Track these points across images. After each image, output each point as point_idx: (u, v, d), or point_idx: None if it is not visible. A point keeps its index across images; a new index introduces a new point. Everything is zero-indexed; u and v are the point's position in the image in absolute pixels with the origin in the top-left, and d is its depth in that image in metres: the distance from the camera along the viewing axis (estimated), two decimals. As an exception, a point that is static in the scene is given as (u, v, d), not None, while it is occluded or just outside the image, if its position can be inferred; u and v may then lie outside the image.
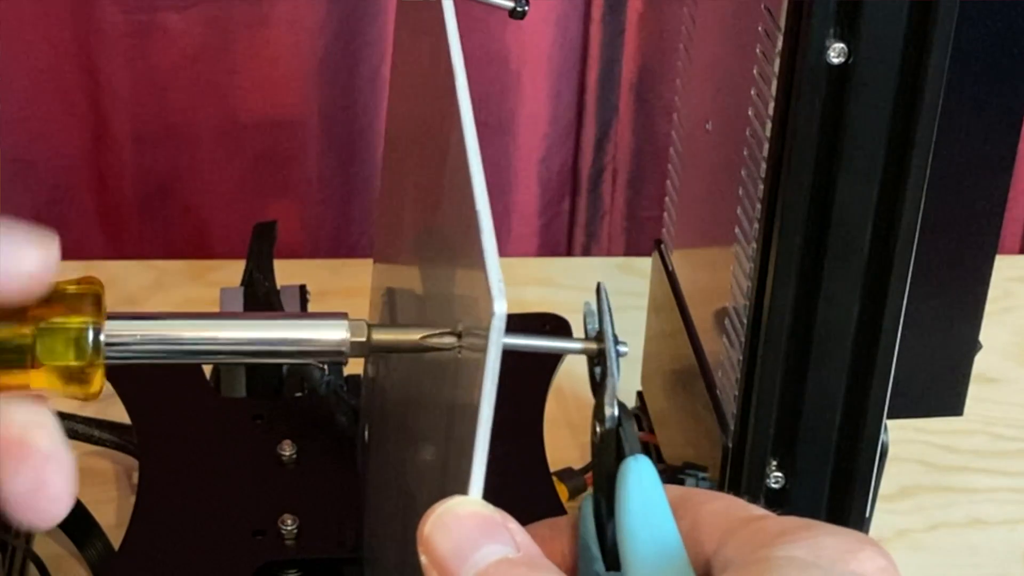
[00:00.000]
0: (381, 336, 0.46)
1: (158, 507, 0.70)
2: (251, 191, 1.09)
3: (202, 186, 1.09)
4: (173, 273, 0.98)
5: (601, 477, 0.44)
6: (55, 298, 0.43)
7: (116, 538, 0.71)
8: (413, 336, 0.45)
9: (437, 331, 0.44)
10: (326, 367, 0.76)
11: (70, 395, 0.44)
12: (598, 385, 0.44)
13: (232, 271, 0.90)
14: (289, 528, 0.68)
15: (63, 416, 0.80)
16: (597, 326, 0.44)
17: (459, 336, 0.43)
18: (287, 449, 0.73)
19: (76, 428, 0.79)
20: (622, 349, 0.44)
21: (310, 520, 0.68)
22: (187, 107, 1.06)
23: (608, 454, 0.43)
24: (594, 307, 0.45)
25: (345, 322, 0.45)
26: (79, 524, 0.74)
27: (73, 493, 0.44)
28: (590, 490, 0.45)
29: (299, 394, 0.78)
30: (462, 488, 0.40)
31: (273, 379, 0.79)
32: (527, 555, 0.40)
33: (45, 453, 0.43)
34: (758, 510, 0.44)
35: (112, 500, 0.79)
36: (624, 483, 0.43)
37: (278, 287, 0.83)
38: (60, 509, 0.45)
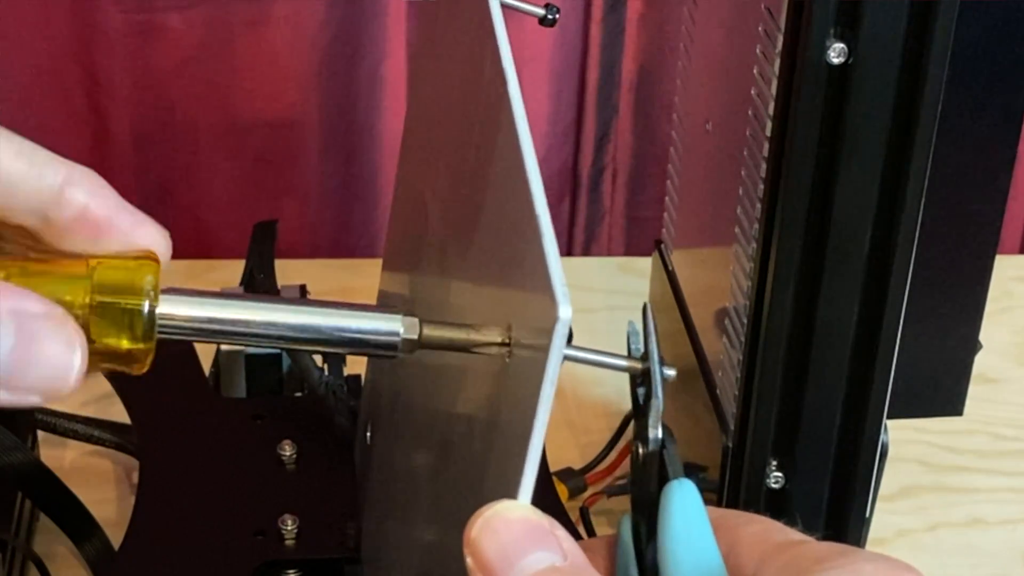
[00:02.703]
0: (432, 332, 0.45)
1: (158, 507, 0.70)
2: (251, 191, 1.09)
3: (202, 186, 1.09)
4: (173, 273, 0.97)
5: (642, 499, 0.43)
6: (112, 267, 0.43)
7: (116, 538, 0.71)
8: (463, 333, 0.44)
9: (485, 328, 0.44)
10: (325, 367, 0.77)
11: (119, 369, 0.43)
12: (641, 406, 0.44)
13: (232, 271, 0.90)
14: (289, 528, 0.68)
15: (63, 416, 0.81)
16: (642, 346, 0.44)
17: (509, 337, 0.43)
18: (287, 449, 0.72)
19: (76, 428, 0.79)
20: (668, 372, 0.43)
21: (310, 520, 0.68)
22: (187, 107, 1.06)
23: (650, 477, 0.43)
24: (639, 327, 0.44)
25: (400, 316, 0.45)
26: (79, 524, 0.74)
27: (79, 364, 0.41)
28: (628, 511, 0.45)
29: (299, 394, 0.78)
30: (507, 492, 0.40)
31: (273, 379, 0.79)
32: (573, 564, 0.40)
33: (34, 312, 0.41)
34: (796, 534, 0.44)
35: (112, 500, 0.79)
36: (668, 506, 0.42)
37: (278, 287, 0.83)
38: (59, 374, 0.41)
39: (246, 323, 0.44)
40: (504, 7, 0.51)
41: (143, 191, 1.08)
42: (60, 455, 0.81)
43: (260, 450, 0.73)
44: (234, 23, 1.03)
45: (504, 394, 0.43)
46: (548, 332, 0.38)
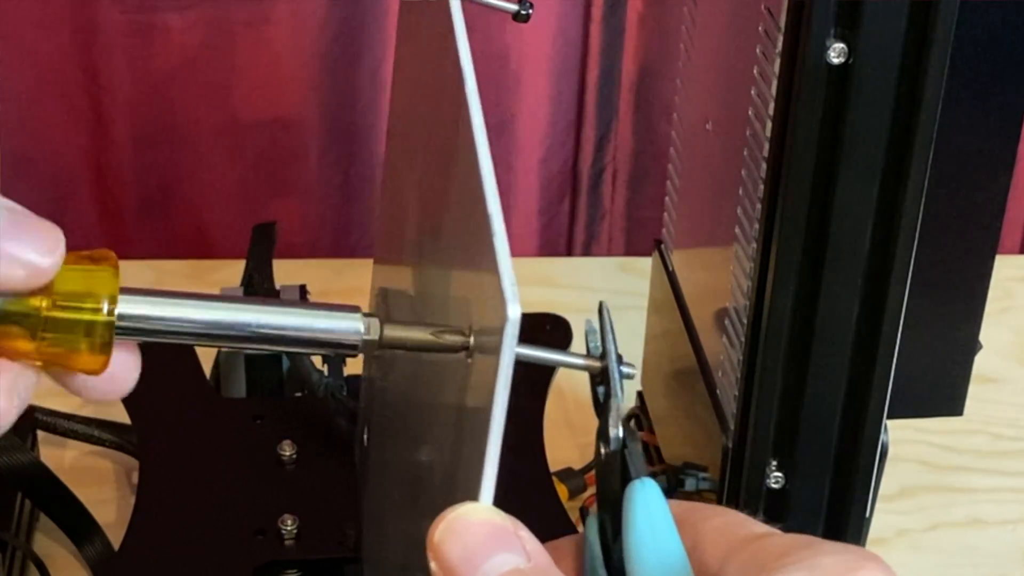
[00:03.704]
0: (393, 332, 0.45)
1: (158, 507, 0.70)
2: (251, 191, 1.09)
3: (202, 186, 1.09)
4: (173, 273, 0.98)
5: (606, 498, 0.43)
6: (69, 273, 0.43)
7: (116, 538, 0.71)
8: (423, 334, 0.44)
9: (446, 328, 0.44)
10: (325, 368, 0.77)
11: (77, 370, 0.43)
12: (601, 405, 0.44)
13: (232, 271, 0.90)
14: (289, 528, 0.68)
15: (63, 416, 0.81)
16: (600, 344, 0.44)
17: (468, 338, 0.43)
18: (287, 449, 0.73)
19: (76, 428, 0.79)
20: (626, 370, 0.43)
21: (310, 520, 0.68)
22: (187, 107, 1.06)
23: (613, 476, 0.43)
24: (596, 325, 0.44)
25: (359, 315, 0.45)
26: (79, 524, 0.74)
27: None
28: (594, 510, 0.45)
29: (299, 394, 0.78)
30: (471, 494, 0.40)
31: (273, 379, 0.79)
32: (538, 565, 0.40)
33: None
34: (760, 527, 0.44)
35: (112, 500, 0.79)
36: (631, 506, 0.42)
37: (277, 287, 0.83)
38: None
39: (207, 324, 0.44)
40: (478, 5, 0.51)
41: (143, 191, 1.08)
42: (60, 455, 0.81)
43: (260, 450, 0.73)
44: (234, 23, 1.03)
45: (468, 393, 0.43)
46: (499, 332, 0.38)
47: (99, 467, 0.81)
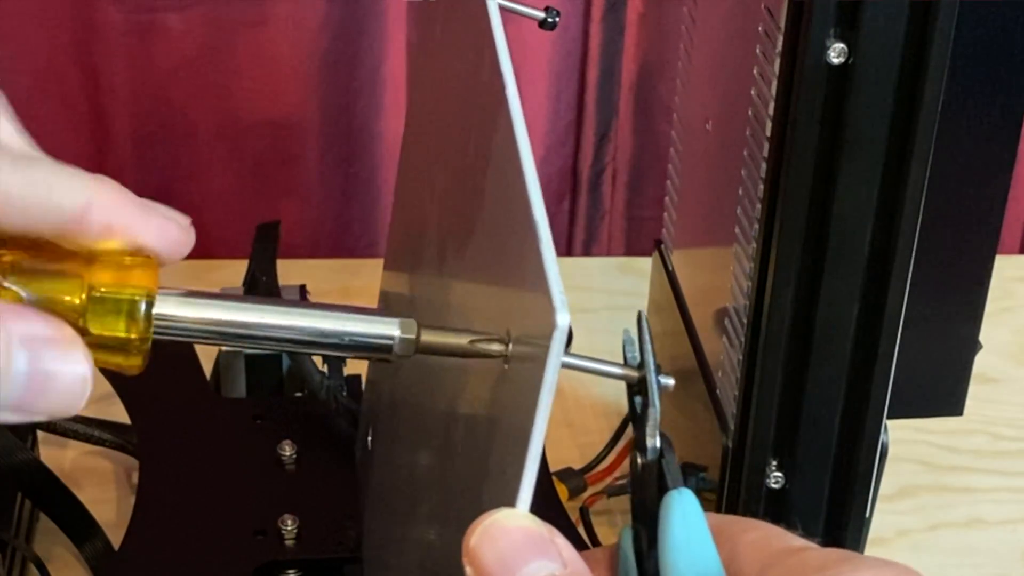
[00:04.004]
0: (431, 338, 0.44)
1: (158, 507, 0.70)
2: (251, 191, 1.09)
3: (202, 186, 1.09)
4: (173, 273, 0.98)
5: (642, 509, 0.43)
6: (109, 266, 0.43)
7: (116, 538, 0.71)
8: (462, 340, 0.44)
9: (485, 336, 0.43)
10: (325, 368, 0.76)
11: (113, 366, 0.43)
12: (638, 416, 0.43)
13: (233, 271, 0.90)
14: (289, 528, 0.68)
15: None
16: (638, 354, 0.44)
17: (507, 345, 0.42)
18: (287, 449, 0.72)
19: (76, 428, 0.79)
20: (665, 381, 0.43)
21: (310, 520, 0.68)
22: (187, 107, 1.06)
23: (650, 486, 0.43)
24: (634, 335, 0.44)
25: (397, 320, 0.44)
26: (79, 524, 0.74)
27: (88, 386, 0.42)
28: (627, 511, 0.45)
29: (299, 394, 0.78)
30: (504, 500, 0.40)
31: (273, 379, 0.79)
32: (574, 572, 0.40)
33: (44, 336, 0.41)
34: (797, 540, 0.44)
35: (112, 500, 0.79)
36: (668, 517, 0.42)
37: (279, 288, 0.83)
38: (69, 398, 0.42)
39: (244, 325, 0.44)
40: (503, 9, 0.51)
41: (143, 191, 1.08)
42: (60, 455, 0.81)
43: (260, 450, 0.73)
44: (234, 23, 1.03)
45: (503, 400, 0.42)
46: (546, 339, 0.38)
47: (99, 467, 0.81)
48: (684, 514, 0.42)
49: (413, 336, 0.44)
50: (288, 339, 0.45)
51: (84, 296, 0.42)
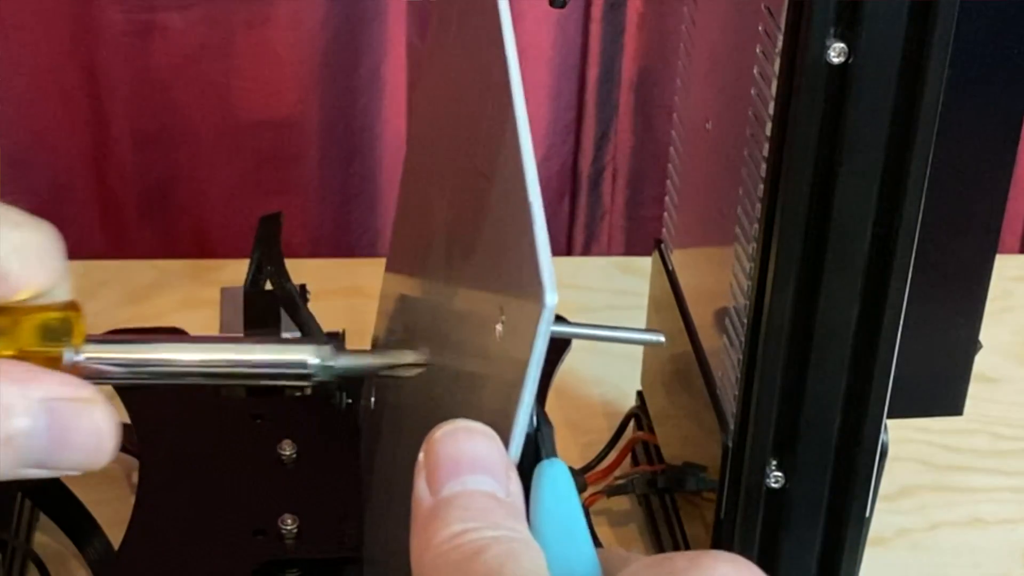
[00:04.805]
0: (346, 361, 0.48)
1: (158, 507, 0.70)
2: (251, 191, 1.09)
3: (202, 186, 1.09)
4: (173, 272, 0.98)
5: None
6: (36, 323, 0.44)
7: (116, 538, 0.71)
8: (377, 361, 0.47)
9: (401, 353, 0.47)
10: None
11: None
12: None
13: (233, 270, 0.90)
14: (289, 528, 0.68)
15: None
16: None
17: (424, 358, 0.44)
18: (287, 449, 0.73)
19: (76, 428, 0.79)
20: (655, 337, 0.45)
21: (310, 520, 0.68)
22: (187, 107, 1.06)
23: (528, 457, 0.44)
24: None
25: (312, 347, 0.47)
26: (79, 524, 0.74)
27: (113, 441, 0.44)
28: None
29: (299, 394, 0.78)
30: None
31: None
32: (513, 505, 0.41)
33: (65, 396, 0.43)
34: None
35: (112, 500, 0.79)
36: (539, 485, 0.43)
37: (290, 278, 0.82)
38: (94, 454, 0.44)
39: (168, 362, 0.47)
40: None
41: (143, 191, 1.08)
42: (60, 455, 0.81)
43: (260, 450, 0.73)
44: (234, 23, 1.03)
45: (494, 375, 0.44)
46: (534, 321, 0.39)
47: (99, 467, 0.81)
48: (554, 482, 0.43)
49: (328, 362, 0.47)
50: (212, 373, 0.48)
51: (13, 350, 0.44)
